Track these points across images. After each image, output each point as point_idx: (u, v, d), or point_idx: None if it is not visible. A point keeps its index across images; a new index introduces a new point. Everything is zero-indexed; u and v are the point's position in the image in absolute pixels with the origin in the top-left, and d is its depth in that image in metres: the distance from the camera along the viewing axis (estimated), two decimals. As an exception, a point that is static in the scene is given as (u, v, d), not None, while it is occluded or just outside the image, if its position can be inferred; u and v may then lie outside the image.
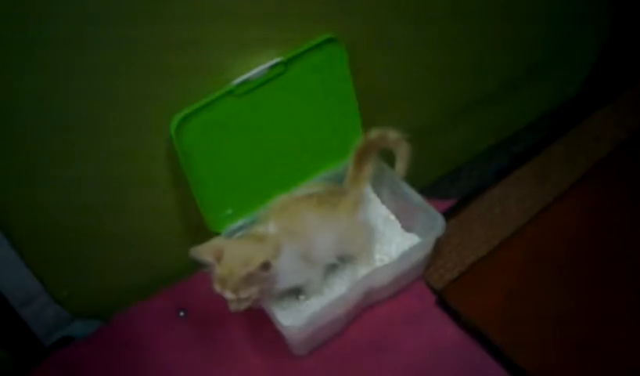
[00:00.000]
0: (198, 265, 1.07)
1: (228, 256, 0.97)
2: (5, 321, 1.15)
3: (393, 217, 1.30)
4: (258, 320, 1.14)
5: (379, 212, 1.32)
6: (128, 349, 1.17)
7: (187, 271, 1.27)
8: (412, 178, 1.23)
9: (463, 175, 1.72)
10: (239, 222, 1.19)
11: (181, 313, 1.25)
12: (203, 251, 0.97)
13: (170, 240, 1.26)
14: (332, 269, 1.20)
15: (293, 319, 1.13)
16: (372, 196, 1.34)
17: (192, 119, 1.07)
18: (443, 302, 1.19)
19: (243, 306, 0.99)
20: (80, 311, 1.27)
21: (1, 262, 1.06)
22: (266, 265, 0.95)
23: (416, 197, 1.20)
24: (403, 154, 1.18)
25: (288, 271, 1.05)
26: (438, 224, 1.13)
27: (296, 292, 1.18)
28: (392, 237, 1.26)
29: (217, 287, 0.97)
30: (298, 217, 1.08)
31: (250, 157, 1.19)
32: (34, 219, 1.09)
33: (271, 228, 1.07)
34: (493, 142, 1.73)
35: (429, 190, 1.28)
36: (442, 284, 1.23)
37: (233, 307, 0.99)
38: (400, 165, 1.19)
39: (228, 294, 0.97)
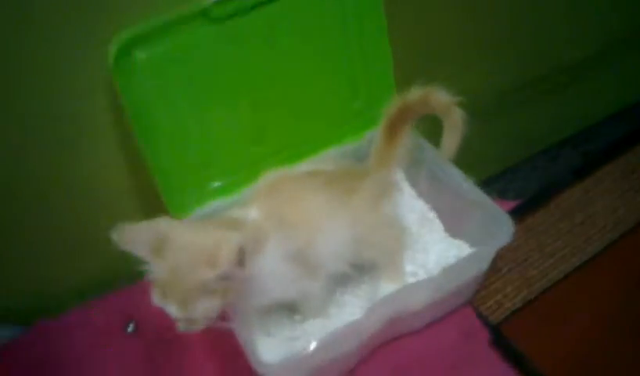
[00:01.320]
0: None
1: (173, 249, 0.62)
2: None
3: (433, 215, 0.94)
4: (233, 345, 0.78)
5: (414, 207, 0.96)
6: (48, 367, 0.89)
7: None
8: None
9: (519, 176, 1.36)
10: (213, 205, 0.84)
11: (130, 328, 0.91)
12: (133, 237, 0.62)
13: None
14: (342, 281, 0.86)
15: (279, 350, 0.78)
16: (405, 185, 0.98)
17: (145, 45, 0.73)
18: (500, 342, 0.83)
19: (197, 327, 0.64)
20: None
21: None
22: (239, 260, 0.60)
23: (471, 189, 0.84)
24: (454, 126, 0.81)
25: (273, 277, 0.70)
26: (504, 230, 0.77)
27: (290, 310, 0.82)
28: (431, 243, 0.90)
29: (156, 298, 0.62)
30: (295, 200, 0.73)
31: (231, 115, 0.84)
32: None
33: (253, 212, 0.72)
34: (561, 135, 1.36)
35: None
36: (499, 316, 0.86)
37: (181, 327, 0.64)
38: (449, 142, 0.83)
39: (173, 310, 0.62)
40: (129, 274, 0.72)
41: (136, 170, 0.88)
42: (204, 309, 0.62)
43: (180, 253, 0.61)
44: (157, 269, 0.62)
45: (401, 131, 0.83)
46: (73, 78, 0.77)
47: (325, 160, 0.85)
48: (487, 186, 1.13)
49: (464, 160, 0.86)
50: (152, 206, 0.82)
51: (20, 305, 0.95)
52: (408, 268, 0.86)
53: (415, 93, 0.80)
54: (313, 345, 0.66)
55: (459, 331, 0.85)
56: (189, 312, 0.62)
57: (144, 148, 0.78)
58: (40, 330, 0.93)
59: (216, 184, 0.87)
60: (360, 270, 0.85)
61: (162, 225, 0.64)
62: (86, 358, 0.89)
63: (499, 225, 0.78)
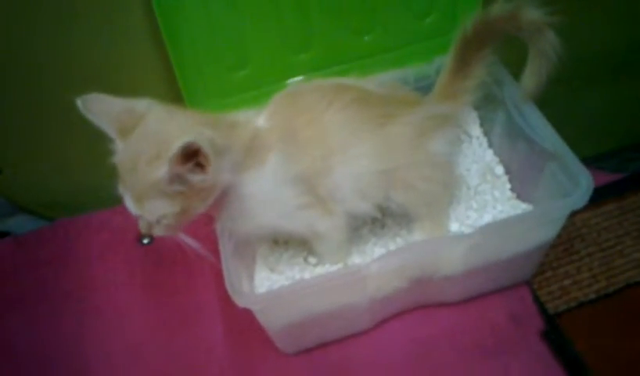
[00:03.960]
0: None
1: (139, 133, 0.52)
2: None
3: (501, 170, 0.77)
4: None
5: (481, 157, 0.79)
6: (63, 261, 0.85)
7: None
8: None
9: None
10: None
11: (145, 240, 0.83)
12: (101, 108, 0.52)
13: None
14: (373, 230, 0.72)
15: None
16: (477, 129, 0.80)
17: None
18: (554, 335, 0.66)
19: (157, 232, 0.54)
20: (20, 201, 0.92)
21: None
22: (192, 153, 0.49)
23: (551, 137, 0.65)
24: (541, 54, 0.63)
25: (269, 200, 0.58)
26: (580, 191, 0.58)
27: (305, 249, 0.71)
28: (492, 202, 0.74)
29: (119, 185, 0.53)
30: (313, 113, 0.60)
31: (271, 12, 0.71)
32: None
33: (260, 119, 0.59)
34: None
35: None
36: (560, 306, 0.69)
37: (141, 226, 0.54)
38: (533, 75, 0.65)
39: (130, 204, 0.52)
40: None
41: (164, 68, 0.79)
42: (159, 213, 0.52)
43: (143, 140, 0.51)
44: (120, 152, 0.52)
45: (477, 55, 0.67)
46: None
47: (377, 81, 0.69)
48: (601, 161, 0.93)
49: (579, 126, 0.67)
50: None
51: (45, 201, 0.92)
52: (453, 226, 0.70)
53: (501, 6, 0.63)
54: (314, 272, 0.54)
55: (507, 313, 0.69)
56: (143, 211, 0.52)
57: (168, 39, 0.69)
58: (60, 227, 0.90)
59: (247, 92, 0.75)
60: (397, 218, 0.71)
61: (141, 105, 0.54)
62: (99, 259, 0.85)
63: (578, 184, 0.59)
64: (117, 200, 0.59)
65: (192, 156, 0.49)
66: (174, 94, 0.77)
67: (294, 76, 0.76)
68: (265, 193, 0.57)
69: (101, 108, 0.52)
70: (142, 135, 0.51)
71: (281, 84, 0.76)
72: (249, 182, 0.56)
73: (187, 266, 0.80)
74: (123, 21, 0.74)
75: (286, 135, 0.58)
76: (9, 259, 0.86)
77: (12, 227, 0.93)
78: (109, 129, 0.53)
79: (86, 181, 0.89)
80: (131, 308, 0.78)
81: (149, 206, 0.51)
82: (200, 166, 0.50)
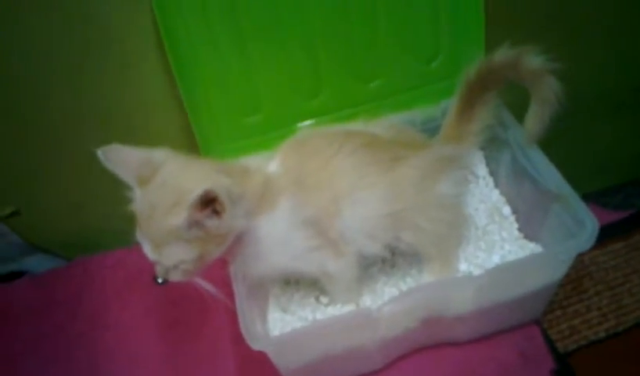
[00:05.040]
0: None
1: (157, 182, 0.54)
2: None
3: (508, 210, 0.78)
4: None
5: (488, 197, 0.80)
6: (82, 298, 0.88)
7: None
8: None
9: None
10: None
11: (160, 279, 0.85)
12: (120, 158, 0.55)
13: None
14: (384, 270, 0.74)
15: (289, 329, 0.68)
16: (483, 169, 0.82)
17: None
18: (566, 375, 0.65)
19: (174, 277, 0.56)
20: (37, 241, 0.94)
21: None
22: (209, 200, 0.51)
23: (555, 179, 0.67)
24: (543, 99, 0.65)
25: (281, 243, 0.60)
26: (585, 233, 0.59)
27: (316, 289, 0.72)
28: (500, 242, 0.75)
29: (137, 232, 0.55)
30: (323, 158, 0.62)
31: (280, 58, 0.74)
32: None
33: (273, 165, 0.62)
34: None
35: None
36: (570, 345, 0.70)
37: (158, 271, 0.56)
38: (536, 118, 0.67)
39: (147, 249, 0.54)
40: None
41: (178, 113, 0.81)
42: (176, 258, 0.53)
43: (160, 188, 0.53)
44: (138, 200, 0.55)
45: (481, 99, 0.69)
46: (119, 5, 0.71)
47: (384, 124, 0.72)
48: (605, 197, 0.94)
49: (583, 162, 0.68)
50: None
51: (64, 241, 0.94)
52: (462, 266, 0.71)
53: (503, 53, 0.65)
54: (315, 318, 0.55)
55: (518, 352, 0.70)
56: (161, 257, 0.54)
57: (181, 85, 0.72)
58: (76, 266, 0.92)
59: (259, 137, 0.78)
60: (407, 258, 0.72)
61: (158, 154, 0.56)
62: (114, 299, 0.86)
63: (583, 227, 0.60)
64: (131, 240, 0.63)
65: (209, 203, 0.51)
66: (187, 137, 0.79)
67: (304, 120, 0.78)
68: (278, 237, 0.59)
69: (120, 158, 0.55)
70: (159, 184, 0.54)
71: (291, 128, 0.78)
72: (262, 226, 0.58)
73: (201, 306, 0.80)
74: (137, 66, 0.77)
75: (297, 179, 0.60)
76: (26, 300, 0.88)
77: (29, 266, 0.95)
78: (128, 178, 0.55)
79: (100, 221, 0.92)
80: (144, 350, 0.79)
81: (167, 252, 0.53)
82: (216, 213, 0.52)
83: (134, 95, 0.80)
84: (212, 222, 0.52)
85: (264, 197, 0.58)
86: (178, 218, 0.51)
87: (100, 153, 0.54)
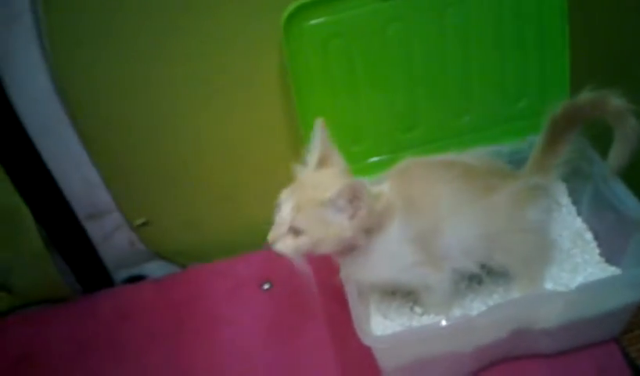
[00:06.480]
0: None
1: (332, 171, 0.70)
2: (67, 232, 0.99)
3: (589, 236, 0.85)
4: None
5: (571, 224, 0.87)
6: (194, 303, 0.99)
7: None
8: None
9: None
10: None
11: (265, 286, 0.96)
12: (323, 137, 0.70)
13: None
14: (472, 287, 0.82)
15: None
16: (566, 199, 0.89)
17: (311, 14, 0.77)
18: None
19: (281, 245, 0.67)
20: (157, 250, 1.08)
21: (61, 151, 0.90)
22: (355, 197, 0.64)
23: (636, 208, 0.74)
24: (625, 137, 0.72)
25: (391, 255, 0.70)
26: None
27: (413, 301, 0.81)
28: (581, 266, 0.82)
29: (284, 192, 0.69)
30: (426, 185, 0.72)
31: (385, 96, 0.85)
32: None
33: (384, 188, 0.72)
34: None
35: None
36: (651, 363, 0.74)
37: (272, 234, 0.67)
38: (618, 154, 0.74)
39: (286, 211, 0.66)
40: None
41: (293, 140, 0.93)
42: (304, 225, 0.65)
43: (330, 175, 0.68)
44: (305, 175, 0.70)
45: (567, 135, 0.77)
46: (247, 41, 0.84)
47: (475, 155, 0.81)
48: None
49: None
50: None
51: (180, 250, 1.07)
52: (548, 285, 0.79)
53: (586, 95, 0.73)
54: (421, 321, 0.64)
55: (597, 367, 0.76)
56: (294, 219, 0.65)
57: (300, 115, 0.83)
58: (191, 273, 1.04)
59: (361, 163, 0.88)
60: (493, 277, 0.80)
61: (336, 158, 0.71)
62: (224, 302, 0.97)
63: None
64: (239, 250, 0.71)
65: (354, 199, 0.63)
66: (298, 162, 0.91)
67: (400, 151, 0.87)
68: (389, 251, 0.69)
69: (322, 138, 0.69)
70: (330, 173, 0.68)
71: (387, 157, 0.89)
72: (376, 240, 0.68)
73: (302, 310, 0.91)
74: (261, 105, 0.90)
75: (406, 202, 0.70)
76: (150, 298, 1.01)
77: (148, 271, 1.09)
78: (314, 154, 0.69)
79: (212, 235, 1.05)
80: (254, 346, 0.89)
81: (302, 217, 0.65)
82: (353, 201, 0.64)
83: (252, 123, 0.92)
84: (349, 213, 0.64)
85: (382, 216, 0.68)
86: (331, 193, 0.63)
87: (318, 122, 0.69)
